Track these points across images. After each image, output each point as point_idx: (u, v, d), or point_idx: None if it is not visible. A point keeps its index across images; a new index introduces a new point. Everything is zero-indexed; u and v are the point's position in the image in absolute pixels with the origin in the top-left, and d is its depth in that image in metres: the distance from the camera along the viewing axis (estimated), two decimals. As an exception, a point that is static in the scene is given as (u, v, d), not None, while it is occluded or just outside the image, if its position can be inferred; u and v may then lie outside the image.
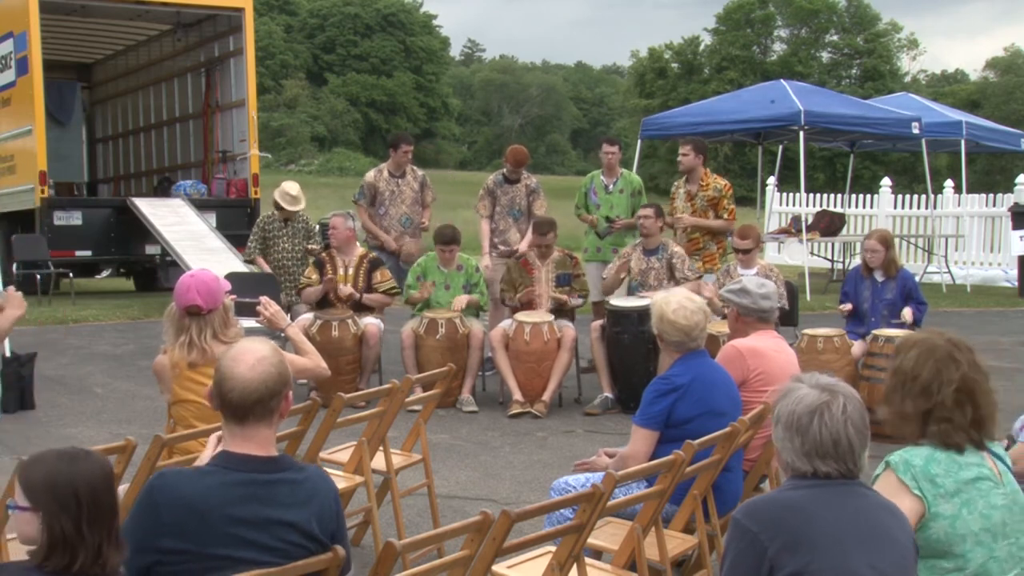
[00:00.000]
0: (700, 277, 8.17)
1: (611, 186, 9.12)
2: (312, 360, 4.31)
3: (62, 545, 2.38)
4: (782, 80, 16.62)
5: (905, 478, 2.78)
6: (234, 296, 4.41)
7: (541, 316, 7.87)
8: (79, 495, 2.40)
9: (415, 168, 9.40)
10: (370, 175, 9.34)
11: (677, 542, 4.03)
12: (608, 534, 3.97)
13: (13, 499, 2.48)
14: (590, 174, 9.46)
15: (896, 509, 2.59)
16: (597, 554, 4.00)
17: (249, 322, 4.53)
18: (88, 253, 13.81)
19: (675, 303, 4.35)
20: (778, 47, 57.27)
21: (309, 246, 9.46)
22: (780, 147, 18.64)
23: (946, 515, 2.76)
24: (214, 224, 13.24)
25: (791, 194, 19.77)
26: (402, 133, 10.08)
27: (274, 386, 2.67)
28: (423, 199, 9.28)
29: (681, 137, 11.61)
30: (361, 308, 8.20)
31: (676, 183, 9.11)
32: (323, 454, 4.79)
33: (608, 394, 7.94)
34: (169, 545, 2.57)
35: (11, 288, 4.01)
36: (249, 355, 2.67)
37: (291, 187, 9.36)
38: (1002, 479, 2.87)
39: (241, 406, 2.64)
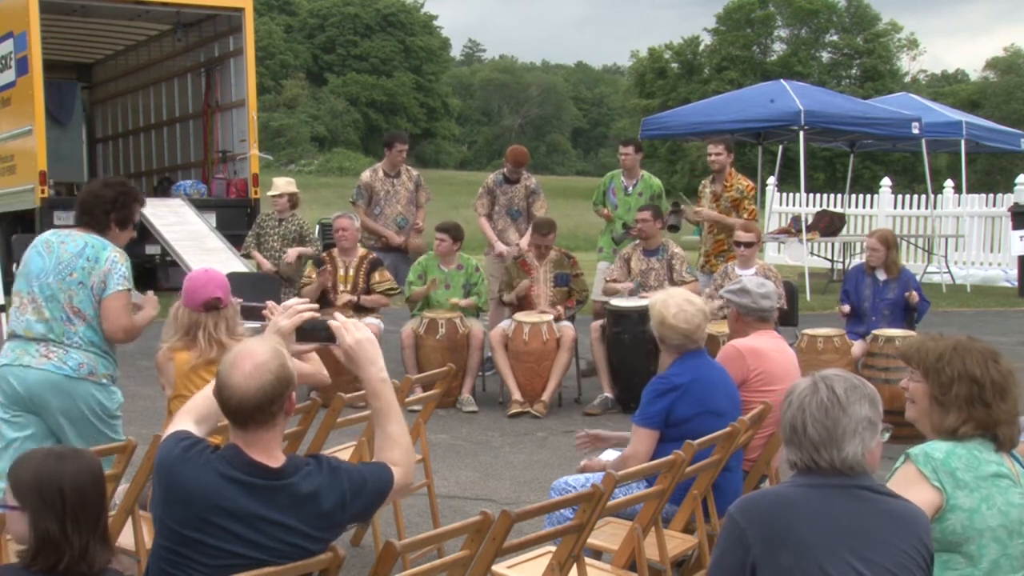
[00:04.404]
0: (696, 280, 8.19)
1: (630, 188, 9.08)
2: (313, 366, 4.30)
3: (48, 544, 2.37)
4: (782, 80, 16.61)
5: (925, 470, 2.76)
6: (240, 299, 4.42)
7: (540, 316, 7.87)
8: (64, 493, 2.39)
9: (410, 168, 9.40)
10: (365, 175, 9.35)
11: (677, 542, 4.03)
12: (608, 534, 3.97)
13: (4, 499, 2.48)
14: (610, 173, 9.42)
15: (903, 515, 2.51)
16: (597, 554, 4.01)
17: (253, 325, 4.54)
18: None
19: (675, 306, 4.34)
20: (778, 47, 57.18)
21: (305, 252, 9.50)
22: (780, 147, 18.61)
23: (964, 508, 2.73)
24: (214, 224, 13.20)
25: (791, 194, 19.75)
26: (397, 132, 10.05)
27: (272, 392, 2.61)
28: (417, 199, 9.26)
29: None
30: (361, 308, 8.19)
31: (703, 182, 9.08)
32: (323, 454, 4.79)
33: (608, 394, 7.95)
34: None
35: (150, 292, 4.18)
36: (247, 360, 2.61)
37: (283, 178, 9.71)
38: (1019, 480, 2.86)
39: (240, 413, 2.61)
